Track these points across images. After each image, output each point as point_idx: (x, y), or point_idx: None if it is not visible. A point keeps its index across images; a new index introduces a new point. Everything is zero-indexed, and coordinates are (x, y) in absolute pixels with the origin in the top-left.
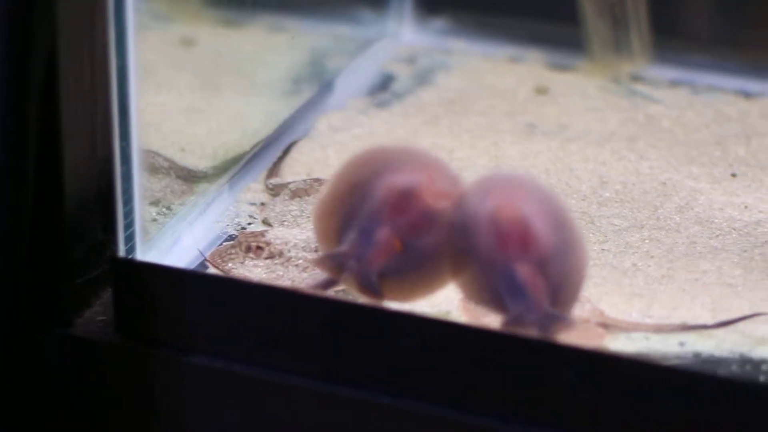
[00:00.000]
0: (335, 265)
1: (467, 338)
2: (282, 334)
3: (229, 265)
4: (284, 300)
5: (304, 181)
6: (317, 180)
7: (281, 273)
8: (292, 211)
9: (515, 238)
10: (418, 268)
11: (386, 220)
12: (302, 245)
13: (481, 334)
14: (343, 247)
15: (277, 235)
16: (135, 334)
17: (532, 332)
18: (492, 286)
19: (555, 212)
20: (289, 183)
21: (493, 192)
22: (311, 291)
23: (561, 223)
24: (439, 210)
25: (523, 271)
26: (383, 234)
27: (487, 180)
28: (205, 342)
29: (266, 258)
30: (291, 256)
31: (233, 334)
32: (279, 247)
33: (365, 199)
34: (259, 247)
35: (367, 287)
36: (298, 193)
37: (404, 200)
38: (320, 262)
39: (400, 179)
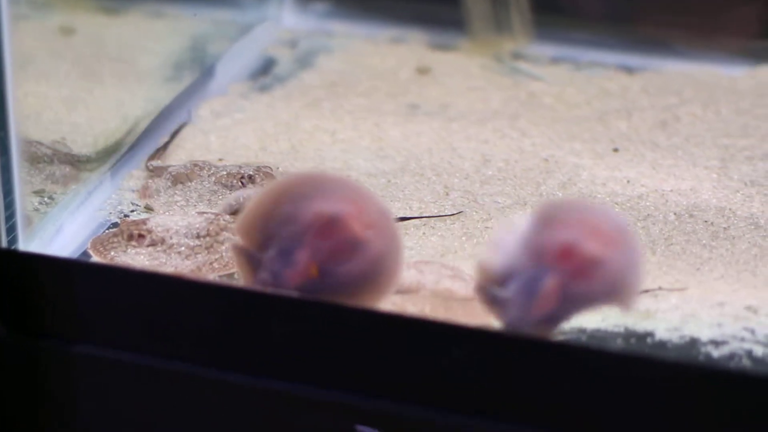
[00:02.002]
0: (249, 264)
1: (355, 320)
2: (169, 321)
3: (112, 253)
4: (170, 287)
5: (185, 166)
6: (197, 165)
7: (164, 260)
8: (176, 198)
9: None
10: (332, 294)
11: (308, 243)
12: (184, 232)
13: (372, 317)
14: (262, 257)
15: (158, 222)
16: (21, 326)
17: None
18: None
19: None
20: (169, 167)
21: (567, 223)
22: (195, 277)
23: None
24: (363, 240)
25: (550, 281)
26: (302, 255)
27: (557, 207)
28: (93, 332)
29: (148, 245)
30: (173, 243)
31: (120, 323)
32: (161, 235)
33: (290, 219)
34: (141, 235)
35: None
36: (179, 178)
37: (329, 226)
38: (237, 253)
39: (328, 205)
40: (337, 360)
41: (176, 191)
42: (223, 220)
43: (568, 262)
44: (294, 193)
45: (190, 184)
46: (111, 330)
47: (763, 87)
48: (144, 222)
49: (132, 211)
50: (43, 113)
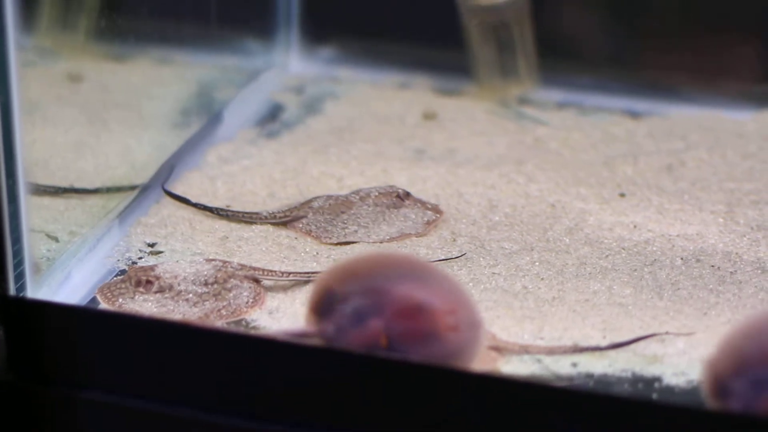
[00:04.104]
0: (313, 319)
1: (358, 366)
2: (175, 367)
3: (120, 300)
4: (176, 334)
5: (324, 198)
6: (330, 197)
7: (172, 307)
8: (352, 228)
9: None
10: None
11: (386, 316)
12: (192, 279)
13: (369, 361)
14: (334, 312)
15: (166, 269)
16: (29, 372)
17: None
18: None
19: None
20: (303, 205)
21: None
22: (203, 324)
23: None
24: (442, 337)
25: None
26: (376, 324)
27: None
28: (101, 378)
29: (156, 292)
30: (181, 290)
31: (129, 369)
32: (169, 281)
33: (378, 289)
34: (149, 281)
35: None
36: (337, 209)
37: (414, 312)
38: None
39: (422, 292)
40: (344, 405)
41: (346, 222)
42: (231, 267)
43: (406, 322)
44: (394, 266)
45: (351, 212)
46: (119, 377)
47: None
48: (152, 268)
49: (140, 257)
50: (51, 160)
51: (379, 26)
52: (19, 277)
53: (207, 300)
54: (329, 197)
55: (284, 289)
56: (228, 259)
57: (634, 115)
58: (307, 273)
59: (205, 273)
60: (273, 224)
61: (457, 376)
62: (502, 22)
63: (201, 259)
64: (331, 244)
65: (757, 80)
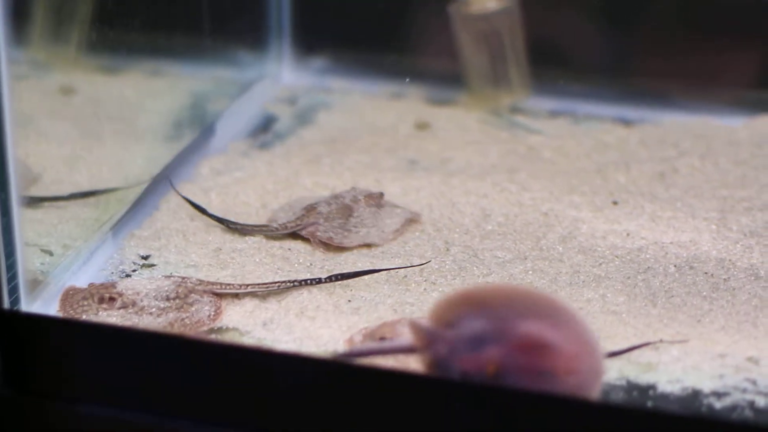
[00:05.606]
0: (427, 339)
1: (355, 377)
2: (172, 379)
3: (83, 317)
4: (173, 346)
5: (327, 202)
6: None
7: (136, 321)
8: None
9: None
10: None
11: (505, 347)
12: (153, 295)
13: (371, 374)
14: (448, 332)
15: (127, 285)
16: (26, 386)
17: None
18: None
19: None
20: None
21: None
22: (199, 336)
23: None
24: (559, 377)
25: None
26: (492, 352)
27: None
28: (97, 391)
29: (120, 308)
30: (144, 305)
31: (124, 382)
32: (131, 297)
33: (503, 319)
34: (111, 298)
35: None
36: (343, 213)
37: (537, 349)
38: (416, 329)
39: (550, 332)
40: (340, 415)
41: (357, 225)
42: (190, 282)
43: (524, 356)
44: (527, 301)
45: (356, 215)
46: (115, 389)
47: (760, 137)
48: (113, 285)
49: (134, 270)
50: (44, 173)
51: (372, 37)
52: (13, 290)
53: (170, 312)
54: (326, 203)
55: (278, 300)
56: (186, 275)
57: (627, 122)
58: (266, 284)
59: (166, 289)
60: (283, 235)
61: (459, 387)
62: (493, 32)
63: (160, 276)
64: (348, 248)
65: (749, 87)
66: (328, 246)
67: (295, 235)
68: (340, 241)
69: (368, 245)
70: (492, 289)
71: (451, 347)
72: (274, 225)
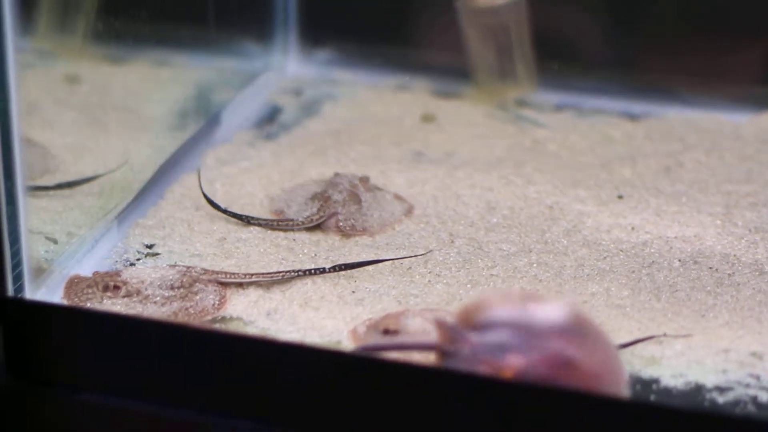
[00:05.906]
0: (451, 336)
1: (359, 367)
2: (176, 368)
3: (88, 305)
4: (177, 335)
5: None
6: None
7: (141, 309)
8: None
9: None
10: None
11: (530, 356)
12: (158, 284)
13: (374, 365)
14: (473, 335)
15: (132, 274)
16: (27, 374)
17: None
18: None
19: None
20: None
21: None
22: (200, 325)
23: None
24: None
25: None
26: (515, 360)
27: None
28: (99, 380)
29: (124, 296)
30: (148, 294)
31: (126, 370)
32: (136, 286)
33: (534, 331)
34: (116, 287)
35: None
36: (320, 197)
37: (564, 365)
38: (442, 326)
39: (578, 350)
40: (344, 406)
41: (370, 210)
42: (195, 271)
43: (546, 366)
44: (552, 313)
45: (364, 201)
46: (119, 378)
47: (766, 133)
48: (118, 273)
49: (138, 259)
50: (50, 161)
51: (378, 29)
52: (18, 278)
53: (174, 301)
54: (337, 192)
55: (282, 290)
56: (190, 265)
57: (632, 117)
58: (270, 273)
59: (171, 278)
60: (308, 228)
61: (464, 380)
62: (500, 25)
63: (165, 265)
64: (373, 233)
65: (755, 83)
66: (346, 233)
67: None
68: (367, 229)
69: (371, 234)
70: (522, 296)
71: (474, 348)
72: (300, 219)
